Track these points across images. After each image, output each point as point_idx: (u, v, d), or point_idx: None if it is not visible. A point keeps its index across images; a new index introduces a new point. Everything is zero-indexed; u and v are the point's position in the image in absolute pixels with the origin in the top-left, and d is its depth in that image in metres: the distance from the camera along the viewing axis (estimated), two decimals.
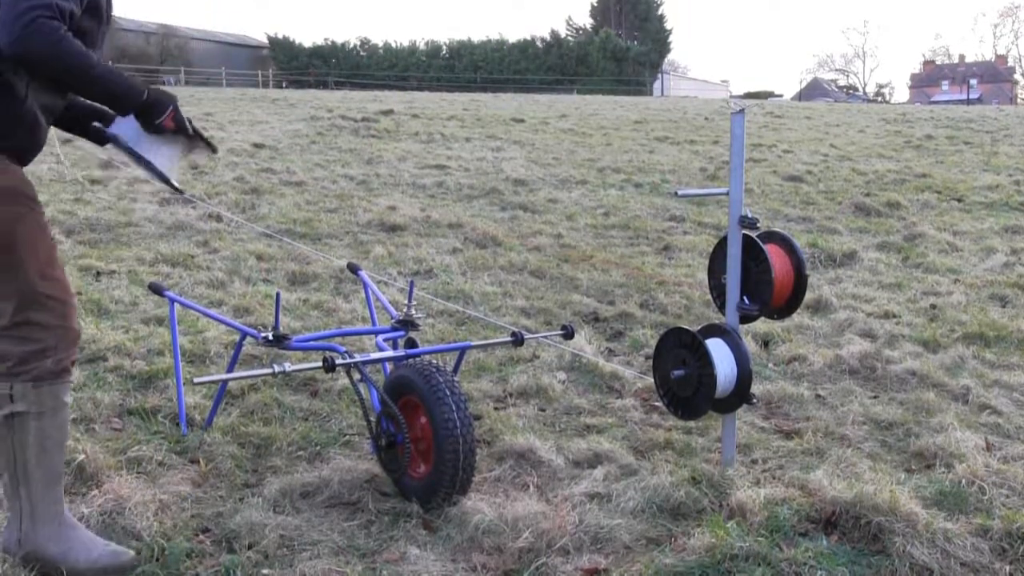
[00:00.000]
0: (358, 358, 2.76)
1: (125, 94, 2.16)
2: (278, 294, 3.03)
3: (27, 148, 2.19)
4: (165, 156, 2.33)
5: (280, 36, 49.71)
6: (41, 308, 2.12)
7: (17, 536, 2.17)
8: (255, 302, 4.84)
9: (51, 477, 2.19)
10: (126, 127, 2.28)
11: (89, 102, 2.36)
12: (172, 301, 3.27)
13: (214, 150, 2.44)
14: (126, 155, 2.31)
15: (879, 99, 65.28)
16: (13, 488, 2.17)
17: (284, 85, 42.20)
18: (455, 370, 3.06)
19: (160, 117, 2.22)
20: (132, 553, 2.24)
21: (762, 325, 4.51)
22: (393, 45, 49.22)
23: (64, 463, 2.27)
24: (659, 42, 50.71)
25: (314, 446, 3.09)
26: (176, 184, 2.40)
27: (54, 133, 2.47)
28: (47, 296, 2.13)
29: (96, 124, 2.33)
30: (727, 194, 2.79)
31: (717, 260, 2.92)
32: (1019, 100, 61.87)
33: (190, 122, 2.31)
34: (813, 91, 63.86)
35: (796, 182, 10.45)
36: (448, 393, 2.55)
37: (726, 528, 2.42)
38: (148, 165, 2.30)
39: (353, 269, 3.77)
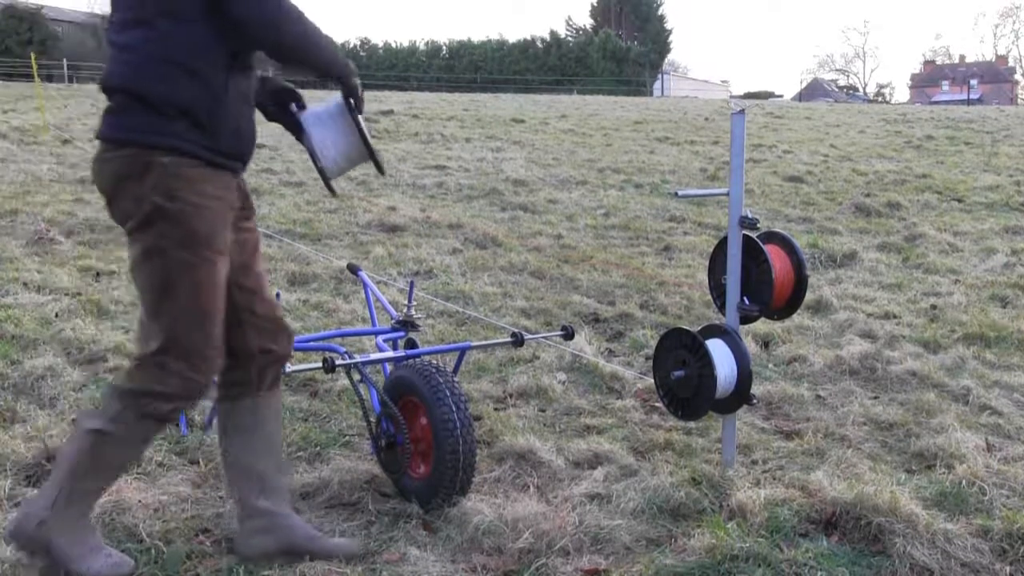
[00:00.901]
0: (358, 359, 2.76)
1: (338, 63, 2.17)
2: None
3: (240, 150, 2.13)
4: (339, 154, 2.28)
5: None
6: (179, 357, 2.07)
7: (40, 518, 2.10)
8: None
9: (97, 489, 2.17)
10: (313, 114, 2.25)
11: (281, 81, 2.31)
12: None
13: (382, 172, 2.38)
14: (306, 141, 2.27)
15: (879, 99, 65.28)
16: (58, 479, 2.12)
17: None
18: (455, 371, 3.06)
19: (358, 95, 2.21)
20: (131, 563, 2.22)
21: (762, 325, 4.51)
22: (393, 45, 49.15)
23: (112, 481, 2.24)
24: (659, 42, 50.68)
25: (314, 447, 3.08)
26: (333, 187, 2.34)
27: None
28: (190, 350, 2.07)
29: (293, 106, 2.29)
30: (727, 194, 2.79)
31: (717, 260, 2.92)
32: (1019, 100, 61.86)
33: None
34: (813, 91, 63.85)
35: (796, 182, 10.45)
36: (448, 394, 2.55)
37: (726, 529, 2.42)
38: (314, 156, 2.25)
39: (353, 270, 3.77)
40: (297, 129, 2.32)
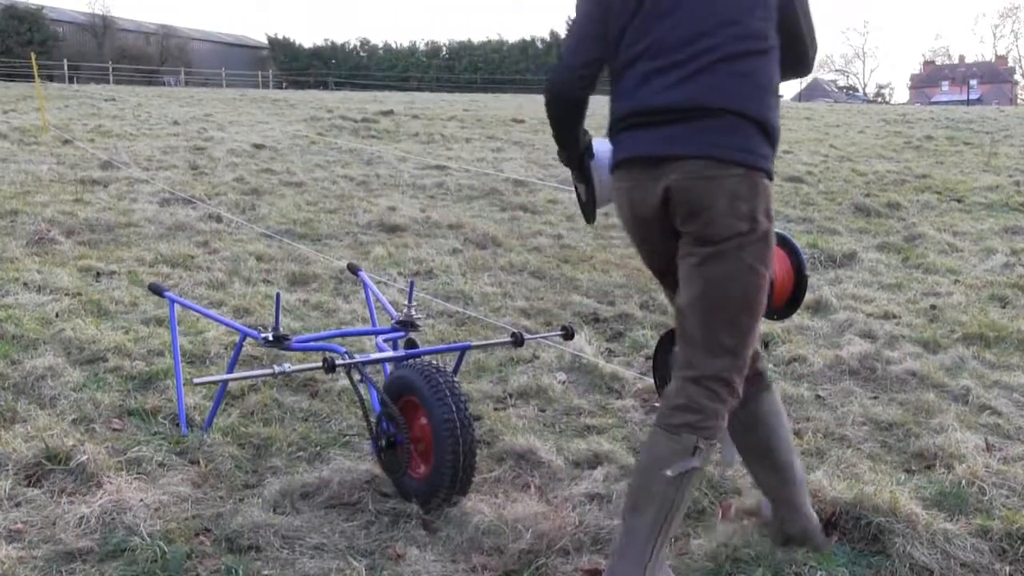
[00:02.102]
0: (358, 359, 2.76)
1: None
2: (278, 295, 3.02)
3: None
4: (607, 192, 2.37)
5: (280, 37, 49.72)
6: (739, 373, 2.09)
7: None
8: (255, 302, 4.84)
9: (676, 527, 2.15)
10: (605, 152, 2.35)
11: None
12: (172, 302, 3.27)
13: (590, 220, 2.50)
14: (594, 175, 2.37)
15: (879, 100, 65.31)
16: (648, 538, 2.06)
17: (284, 86, 42.17)
18: (455, 371, 3.06)
19: None
20: None
21: (762, 325, 4.50)
22: (393, 46, 49.20)
23: None
24: None
25: (314, 447, 3.09)
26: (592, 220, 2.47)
27: None
28: (744, 366, 2.11)
29: (588, 134, 2.41)
30: None
31: None
32: (1019, 101, 61.86)
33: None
34: (813, 91, 63.86)
35: (796, 183, 10.45)
36: (448, 394, 2.55)
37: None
38: (595, 190, 2.36)
39: (353, 270, 3.77)
40: (582, 165, 2.40)
